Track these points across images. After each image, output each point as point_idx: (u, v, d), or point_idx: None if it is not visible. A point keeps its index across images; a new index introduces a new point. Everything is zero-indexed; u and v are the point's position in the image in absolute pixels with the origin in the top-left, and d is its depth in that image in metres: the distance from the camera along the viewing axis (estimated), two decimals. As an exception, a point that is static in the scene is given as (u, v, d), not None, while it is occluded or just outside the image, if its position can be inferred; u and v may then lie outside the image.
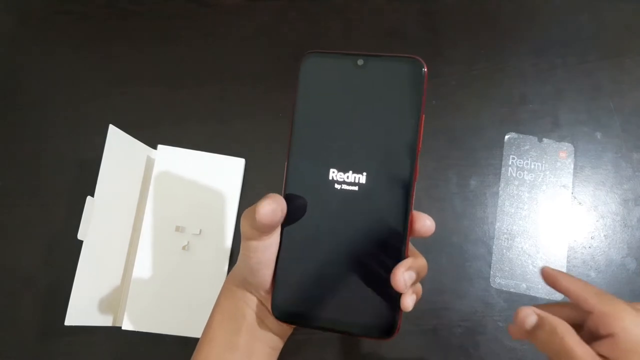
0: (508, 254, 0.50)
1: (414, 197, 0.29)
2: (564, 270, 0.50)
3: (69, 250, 0.44)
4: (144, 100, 0.55)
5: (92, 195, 0.43)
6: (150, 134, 0.51)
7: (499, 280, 0.50)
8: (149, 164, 0.51)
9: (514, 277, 0.50)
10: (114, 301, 0.47)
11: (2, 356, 0.49)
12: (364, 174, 0.29)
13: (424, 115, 0.29)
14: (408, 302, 0.28)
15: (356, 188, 0.29)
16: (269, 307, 0.32)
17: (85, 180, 0.50)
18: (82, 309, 0.42)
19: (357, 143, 0.29)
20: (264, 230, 0.28)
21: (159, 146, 0.51)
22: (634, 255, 0.50)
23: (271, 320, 0.33)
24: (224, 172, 0.51)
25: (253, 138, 0.53)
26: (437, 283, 0.50)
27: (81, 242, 0.42)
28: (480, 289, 0.50)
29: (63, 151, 0.54)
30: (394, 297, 0.28)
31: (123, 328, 0.47)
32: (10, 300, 0.50)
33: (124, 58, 0.56)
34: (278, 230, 0.30)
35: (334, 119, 0.30)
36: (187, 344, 0.48)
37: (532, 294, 0.49)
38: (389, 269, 0.28)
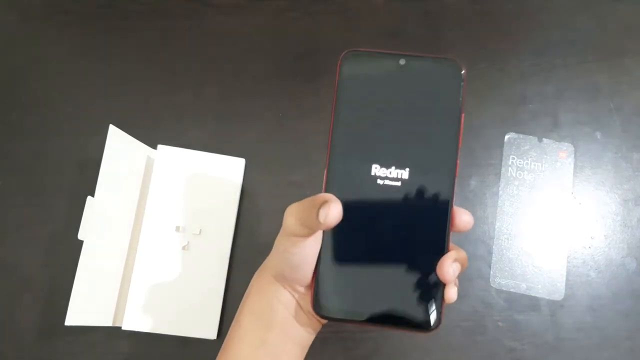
0: (508, 254, 0.50)
1: (455, 192, 0.29)
2: (564, 270, 0.50)
3: (69, 250, 0.44)
4: (144, 100, 0.55)
5: (92, 195, 0.43)
6: (150, 134, 0.51)
7: (499, 280, 0.50)
8: (149, 164, 0.51)
9: (514, 277, 0.50)
10: (114, 301, 0.47)
11: (2, 356, 0.49)
12: (407, 169, 0.30)
13: (463, 114, 0.30)
14: (452, 293, 0.29)
15: (399, 183, 0.30)
16: (302, 303, 0.32)
17: (85, 180, 0.51)
18: (82, 309, 0.42)
19: (398, 140, 0.30)
20: (319, 230, 0.28)
21: (159, 146, 0.51)
22: (634, 255, 0.50)
23: (302, 317, 0.33)
24: (224, 172, 0.51)
25: (253, 138, 0.53)
26: (437, 283, 0.50)
27: (81, 242, 0.42)
28: (480, 289, 0.50)
29: (63, 151, 0.54)
30: (437, 290, 0.29)
31: (123, 328, 0.47)
32: (10, 300, 0.50)
33: (124, 58, 0.56)
34: None
35: (374, 116, 0.30)
36: (187, 344, 0.48)
37: (532, 294, 0.49)
38: (432, 263, 0.29)
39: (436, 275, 0.29)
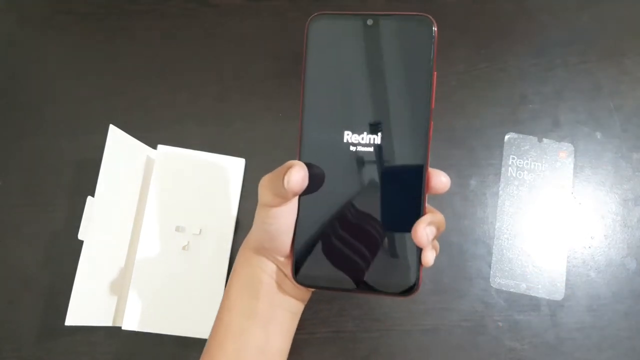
0: (508, 254, 0.50)
1: (429, 154, 0.29)
2: (564, 270, 0.50)
3: (69, 250, 0.44)
4: (144, 100, 0.55)
5: (92, 195, 0.43)
6: (150, 134, 0.51)
7: (499, 280, 0.50)
8: (149, 164, 0.51)
9: (514, 277, 0.50)
10: (113, 301, 0.47)
11: (2, 356, 0.49)
12: (379, 134, 0.29)
13: (436, 72, 0.29)
14: (429, 256, 0.29)
15: (371, 149, 0.29)
16: (287, 271, 0.33)
17: (85, 180, 0.50)
18: (82, 309, 0.42)
19: (369, 104, 0.29)
20: (289, 197, 0.29)
21: (159, 146, 0.51)
22: (634, 255, 0.50)
23: (289, 285, 0.34)
24: (224, 172, 0.51)
25: (253, 138, 0.53)
26: (437, 283, 0.50)
27: (81, 242, 0.42)
28: (480, 289, 0.50)
29: (63, 151, 0.54)
30: (414, 254, 0.29)
31: (123, 328, 0.47)
32: (10, 300, 0.50)
33: (124, 58, 0.56)
34: (296, 196, 0.30)
35: (345, 81, 0.30)
36: (187, 344, 0.48)
37: (532, 294, 0.49)
38: (408, 226, 0.28)
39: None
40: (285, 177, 0.28)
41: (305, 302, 0.36)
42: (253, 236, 0.34)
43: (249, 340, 0.33)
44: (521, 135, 0.53)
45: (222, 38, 0.56)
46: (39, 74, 0.56)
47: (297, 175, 0.28)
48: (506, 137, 0.53)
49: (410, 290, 0.29)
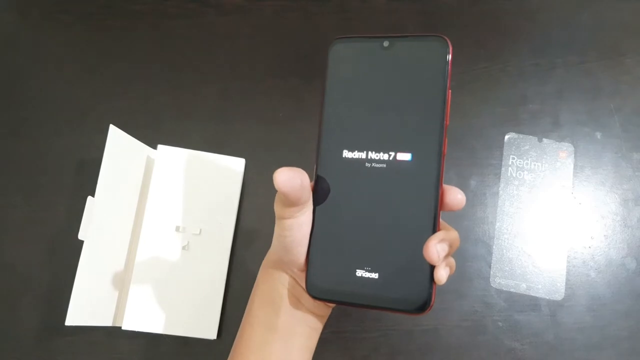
0: (508, 254, 0.50)
1: (443, 171, 0.29)
2: (564, 270, 0.50)
3: (69, 250, 0.44)
4: (144, 100, 0.55)
5: (92, 195, 0.43)
6: (150, 134, 0.51)
7: (499, 280, 0.50)
8: (149, 164, 0.51)
9: (514, 277, 0.50)
10: (113, 301, 0.47)
11: (2, 356, 0.49)
12: (393, 150, 0.30)
13: (450, 91, 0.29)
14: (441, 274, 0.28)
15: (385, 165, 0.30)
16: (303, 285, 0.33)
17: (85, 180, 0.51)
18: (82, 309, 0.42)
19: (385, 121, 0.30)
20: (290, 202, 0.29)
21: (159, 146, 0.51)
22: (634, 255, 0.50)
23: (307, 300, 0.34)
24: (224, 172, 0.51)
25: (253, 138, 0.53)
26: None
27: (81, 242, 0.42)
28: (480, 289, 0.50)
29: (63, 151, 0.54)
30: (428, 272, 0.29)
31: (123, 328, 0.47)
32: (10, 300, 0.50)
33: (124, 58, 0.56)
34: (310, 209, 0.30)
35: (362, 99, 0.30)
36: (187, 344, 0.48)
37: (532, 294, 0.49)
38: (421, 243, 0.28)
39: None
40: (274, 178, 0.28)
41: (325, 319, 0.36)
42: (272, 251, 0.34)
43: (271, 353, 0.33)
44: (521, 135, 0.53)
45: (222, 38, 0.56)
46: (39, 74, 0.56)
47: (282, 176, 0.27)
48: (506, 137, 0.53)
49: (422, 308, 0.29)
